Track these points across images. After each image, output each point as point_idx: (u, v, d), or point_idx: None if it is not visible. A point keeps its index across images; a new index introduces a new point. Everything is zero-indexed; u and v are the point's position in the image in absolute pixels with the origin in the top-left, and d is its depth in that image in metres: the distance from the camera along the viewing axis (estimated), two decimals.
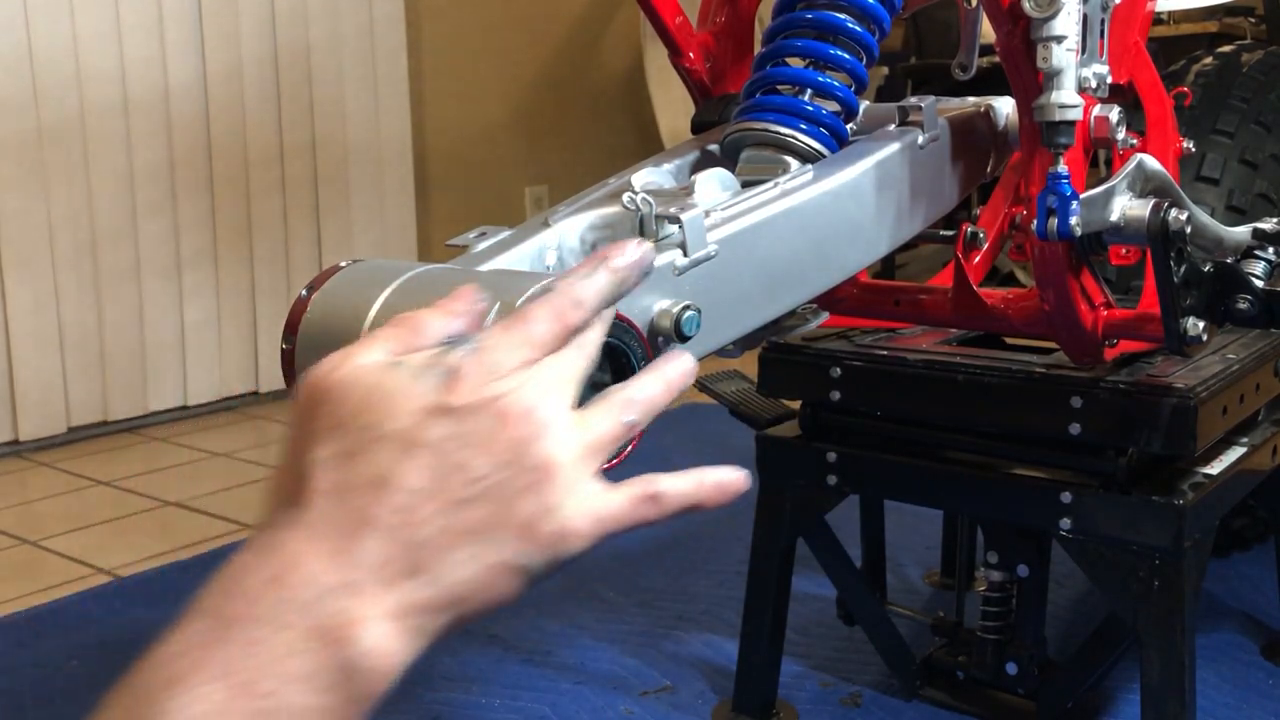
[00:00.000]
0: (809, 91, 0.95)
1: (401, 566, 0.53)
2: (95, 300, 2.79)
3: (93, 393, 2.80)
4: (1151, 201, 0.96)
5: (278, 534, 0.54)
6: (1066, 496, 1.13)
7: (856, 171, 0.91)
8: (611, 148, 3.92)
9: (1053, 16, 0.92)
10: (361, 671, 0.51)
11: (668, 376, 0.61)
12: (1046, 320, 1.08)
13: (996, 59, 1.01)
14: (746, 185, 0.88)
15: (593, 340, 0.60)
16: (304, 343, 0.71)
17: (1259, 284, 1.01)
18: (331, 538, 0.52)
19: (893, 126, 1.00)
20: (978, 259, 1.14)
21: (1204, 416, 1.08)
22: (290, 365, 0.72)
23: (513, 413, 0.55)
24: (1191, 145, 1.17)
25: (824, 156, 0.93)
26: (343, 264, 0.74)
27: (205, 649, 0.51)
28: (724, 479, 0.60)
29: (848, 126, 0.96)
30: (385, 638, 0.52)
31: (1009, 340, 1.33)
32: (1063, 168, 0.95)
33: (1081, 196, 0.95)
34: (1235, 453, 1.21)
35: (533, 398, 0.55)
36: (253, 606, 0.52)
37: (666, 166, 0.97)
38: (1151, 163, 0.99)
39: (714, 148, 1.00)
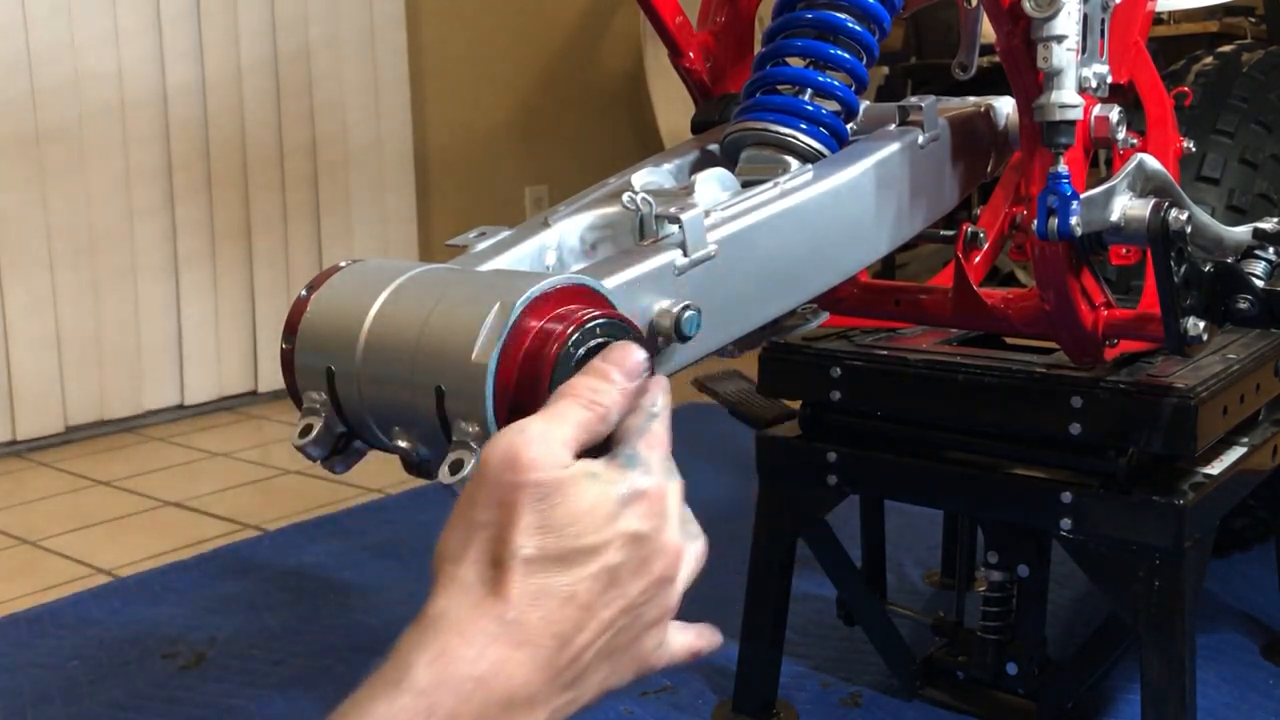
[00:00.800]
0: (809, 91, 0.95)
1: (566, 681, 0.57)
2: (93, 300, 2.79)
3: (90, 392, 2.80)
4: (1152, 201, 0.96)
5: (483, 624, 0.56)
6: (1066, 496, 1.13)
7: (856, 171, 0.91)
8: (611, 148, 3.91)
9: (1053, 16, 0.92)
10: None
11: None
12: (1046, 320, 1.08)
13: (996, 59, 1.01)
14: (746, 185, 0.88)
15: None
16: (304, 343, 0.71)
17: (1259, 284, 1.01)
18: (530, 647, 0.56)
19: (893, 126, 1.00)
20: (978, 259, 1.13)
21: (1204, 416, 1.08)
22: (290, 365, 0.72)
23: (670, 549, 0.60)
24: (1191, 145, 1.17)
25: (824, 156, 0.93)
26: (343, 264, 0.74)
27: None
28: (716, 641, 0.67)
29: (848, 126, 0.96)
30: None
31: (1009, 340, 1.33)
32: (1063, 168, 0.95)
33: (1082, 196, 0.95)
34: (1235, 453, 1.21)
35: (679, 537, 0.61)
36: (462, 704, 0.55)
37: (666, 166, 0.97)
38: (1152, 163, 0.99)
39: (714, 148, 0.99)
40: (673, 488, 0.62)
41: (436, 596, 0.57)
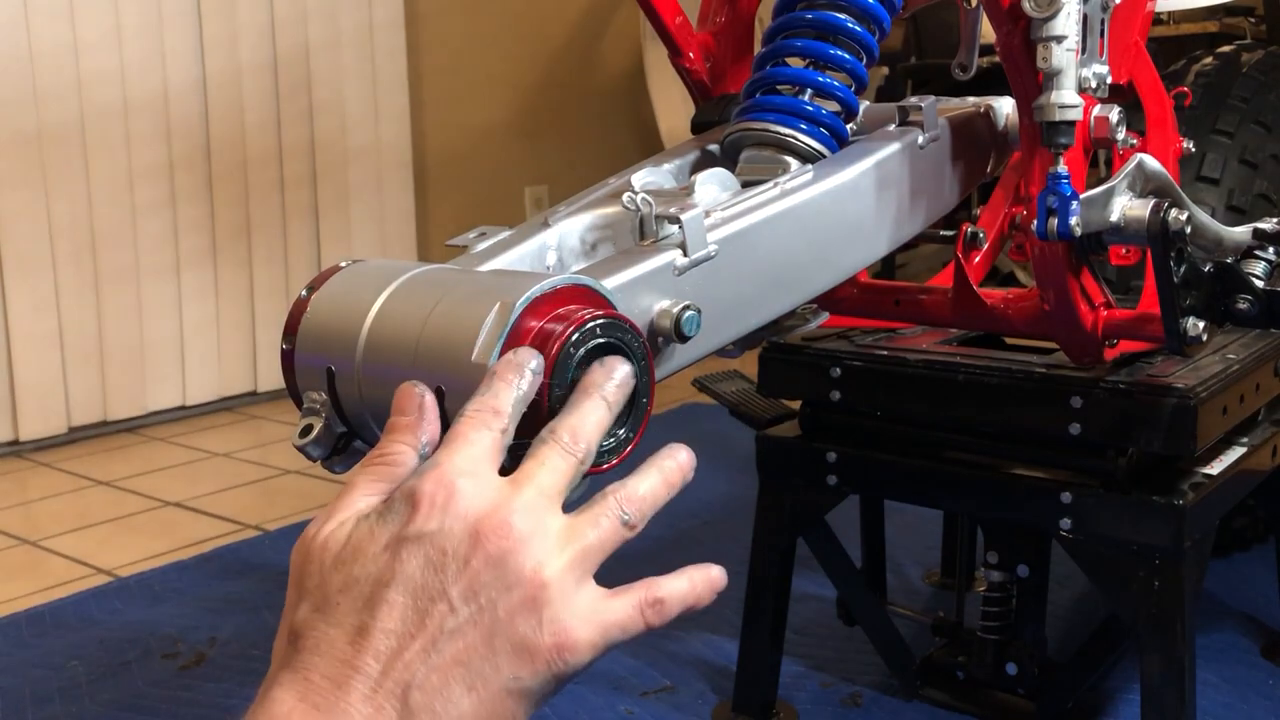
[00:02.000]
0: (809, 91, 0.95)
1: (394, 713, 0.51)
2: (95, 300, 2.79)
3: (92, 393, 2.80)
4: (1151, 201, 0.96)
5: (270, 692, 0.53)
6: (1066, 496, 1.13)
7: (856, 171, 0.91)
8: (611, 148, 3.92)
9: (1053, 16, 0.92)
10: None
11: (666, 473, 0.61)
12: (1046, 320, 1.08)
13: (996, 59, 1.01)
14: (746, 185, 0.88)
15: (589, 437, 0.59)
16: (304, 343, 0.71)
17: (1259, 284, 1.01)
18: (321, 694, 0.51)
19: (893, 126, 1.00)
20: (978, 259, 1.14)
21: (1204, 416, 1.08)
22: (290, 365, 0.72)
23: (485, 528, 0.53)
24: (1191, 145, 1.17)
25: (824, 156, 0.93)
26: (343, 264, 0.74)
27: None
28: (713, 577, 0.60)
29: (848, 126, 0.96)
30: None
31: (1009, 340, 1.33)
32: (1063, 168, 0.95)
33: (1081, 196, 0.95)
34: (1235, 453, 1.21)
35: (504, 510, 0.54)
36: None
37: (666, 166, 0.97)
38: (1151, 163, 0.99)
39: (714, 148, 1.00)
40: (459, 459, 0.55)
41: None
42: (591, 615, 0.55)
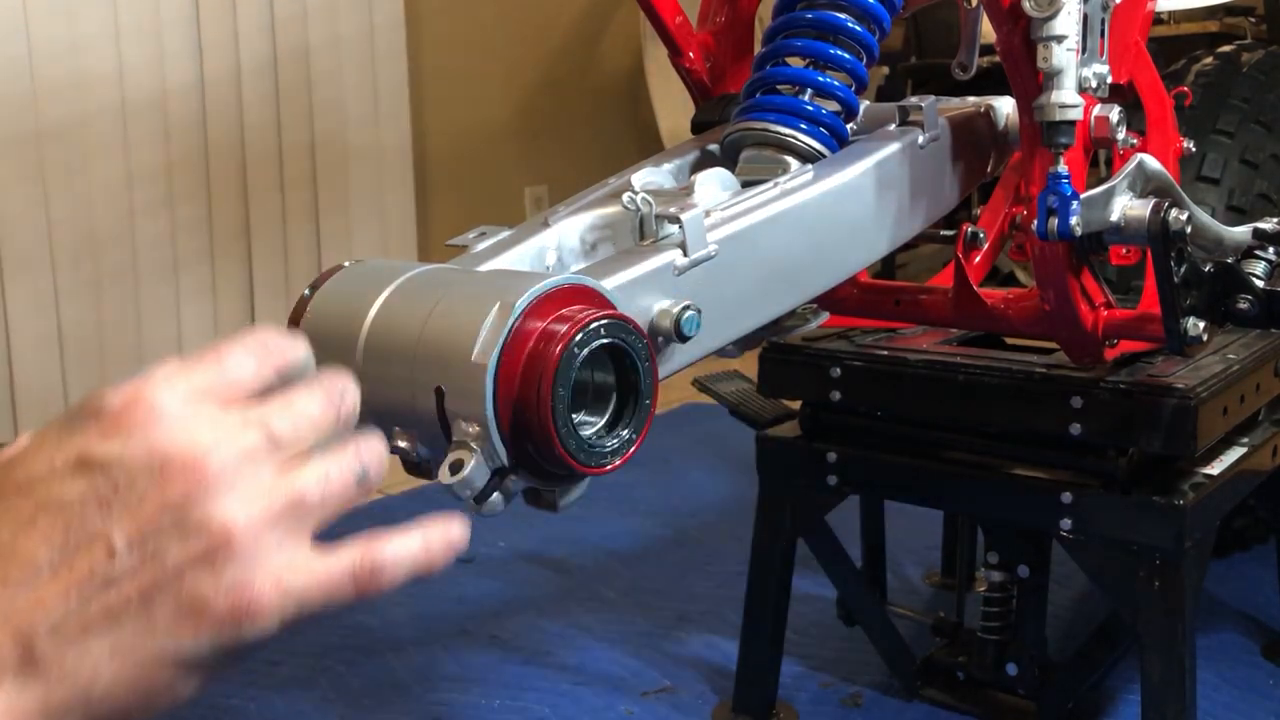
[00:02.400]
0: (809, 91, 0.95)
1: (11, 661, 0.43)
2: (94, 301, 2.79)
3: None
4: (1152, 201, 0.96)
5: None
6: (1066, 496, 1.13)
7: (856, 171, 0.91)
8: (611, 148, 3.91)
9: (1053, 16, 0.92)
10: None
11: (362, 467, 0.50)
12: (1046, 320, 1.08)
13: (996, 59, 1.01)
14: (746, 185, 0.88)
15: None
16: None
17: (1259, 284, 1.01)
18: None
19: (893, 126, 1.00)
20: (978, 259, 1.14)
21: (1204, 416, 1.08)
22: None
23: (174, 462, 0.45)
24: (1191, 145, 1.17)
25: (824, 156, 0.93)
26: (344, 264, 0.74)
27: None
28: (452, 538, 0.50)
29: (848, 126, 0.96)
30: None
31: (1009, 340, 1.33)
32: (1063, 168, 0.95)
33: (1082, 196, 0.95)
34: (1235, 453, 1.21)
35: (204, 442, 0.46)
36: None
37: (666, 166, 0.97)
38: (1152, 163, 0.99)
39: (714, 148, 0.99)
40: (189, 390, 0.48)
41: None
42: (283, 578, 0.46)
